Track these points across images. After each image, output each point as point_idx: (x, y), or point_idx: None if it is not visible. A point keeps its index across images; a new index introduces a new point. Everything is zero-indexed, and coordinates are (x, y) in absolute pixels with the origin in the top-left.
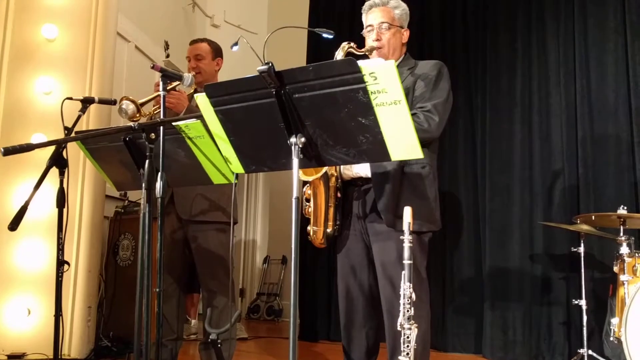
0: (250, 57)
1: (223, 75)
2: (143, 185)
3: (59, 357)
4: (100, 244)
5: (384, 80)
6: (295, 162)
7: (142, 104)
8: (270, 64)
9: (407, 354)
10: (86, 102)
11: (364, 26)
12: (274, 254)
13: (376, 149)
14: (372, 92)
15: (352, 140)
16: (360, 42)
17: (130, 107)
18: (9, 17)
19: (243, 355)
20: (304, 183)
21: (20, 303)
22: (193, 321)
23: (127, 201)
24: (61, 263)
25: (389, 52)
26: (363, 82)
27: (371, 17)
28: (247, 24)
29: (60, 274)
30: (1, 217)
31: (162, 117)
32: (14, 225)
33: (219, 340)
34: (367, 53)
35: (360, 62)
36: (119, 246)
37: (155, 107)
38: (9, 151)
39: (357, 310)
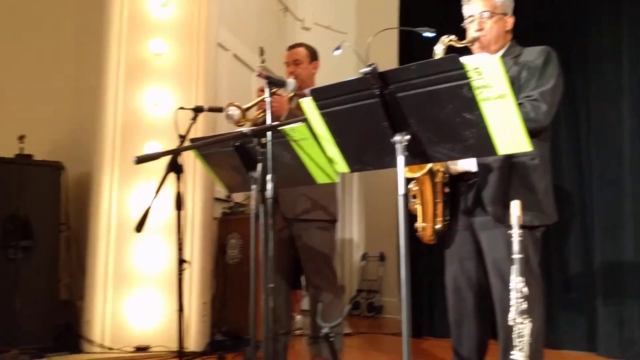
0: (341, 58)
1: (317, 77)
2: (254, 187)
3: (182, 350)
4: (211, 244)
5: (488, 75)
6: (400, 159)
7: (247, 109)
8: (374, 66)
9: (521, 349)
10: (197, 110)
11: (464, 17)
12: (372, 251)
13: (482, 144)
14: (476, 88)
15: (457, 136)
16: (461, 35)
17: (236, 112)
18: (123, 35)
19: (347, 350)
20: (409, 180)
21: (142, 300)
22: (297, 317)
23: (233, 202)
24: (181, 262)
25: (492, 42)
26: (467, 78)
27: (472, 7)
28: (336, 25)
29: (180, 272)
30: (122, 220)
31: (268, 122)
32: (139, 227)
33: (331, 334)
34: (468, 45)
35: (463, 59)
36: (227, 245)
37: (258, 112)
38: (141, 160)
39: (467, 306)
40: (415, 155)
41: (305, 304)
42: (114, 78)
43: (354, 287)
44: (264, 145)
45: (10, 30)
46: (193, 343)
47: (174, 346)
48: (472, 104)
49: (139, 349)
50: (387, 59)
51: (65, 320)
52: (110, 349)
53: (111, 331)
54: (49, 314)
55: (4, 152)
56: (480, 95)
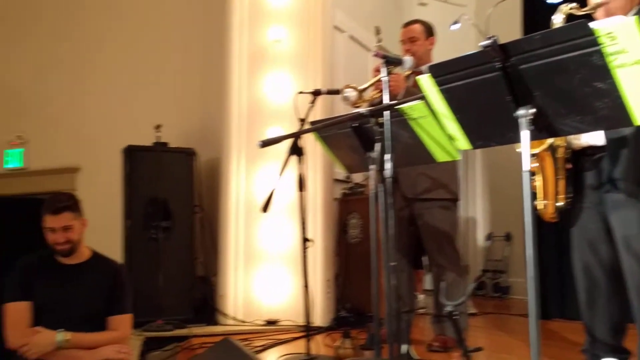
0: (459, 32)
1: (434, 53)
2: (373, 167)
3: (309, 325)
4: (332, 224)
5: (624, 40)
6: (524, 134)
7: (363, 90)
8: (495, 38)
9: None
10: (315, 94)
11: None
12: (497, 230)
13: (616, 115)
14: (609, 54)
15: (588, 107)
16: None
17: (352, 94)
18: (244, 25)
19: (472, 330)
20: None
21: (270, 277)
22: (420, 296)
23: (352, 183)
24: (305, 240)
25: (619, 8)
26: (598, 44)
27: None
28: None
29: (305, 250)
30: (249, 201)
31: (386, 101)
32: (265, 208)
33: (455, 313)
34: (591, 12)
35: (594, 24)
36: (348, 225)
37: (375, 92)
38: (265, 143)
39: (599, 287)
40: (541, 130)
41: (427, 283)
42: (237, 68)
43: (478, 267)
44: (381, 125)
45: (145, 27)
46: (319, 318)
47: (301, 321)
48: (604, 72)
49: (269, 322)
50: (509, 31)
51: (202, 295)
52: (242, 321)
53: (243, 305)
54: (187, 289)
55: (143, 140)
56: (615, 62)
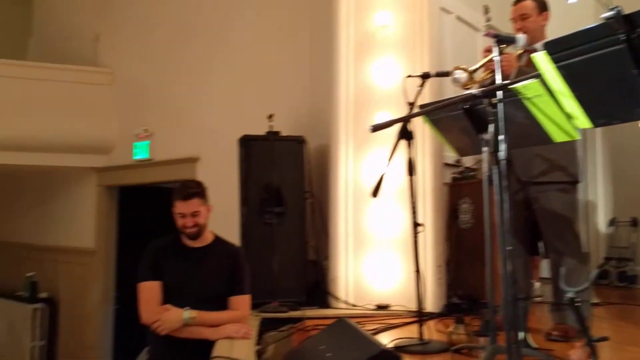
0: (575, 5)
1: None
2: (486, 149)
3: (421, 310)
4: (442, 208)
5: None
6: None
7: (473, 72)
8: (618, 8)
9: None
10: (424, 77)
11: None
12: (621, 215)
13: None
14: None
15: None
16: None
17: (462, 76)
18: (351, 12)
19: (595, 320)
20: None
21: (380, 261)
22: (536, 284)
23: (462, 167)
24: (416, 225)
25: None
26: None
27: None
28: None
29: (416, 235)
30: (358, 187)
31: (499, 81)
32: (375, 192)
33: (577, 300)
34: None
35: None
36: (458, 210)
37: (485, 73)
38: (376, 128)
39: None
40: None
41: (544, 271)
42: (344, 55)
43: (600, 254)
44: (495, 106)
45: (256, 23)
46: (430, 304)
47: (411, 306)
48: None
49: (380, 307)
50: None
51: (314, 278)
52: (354, 305)
53: (354, 289)
54: (300, 272)
55: (258, 130)
56: None
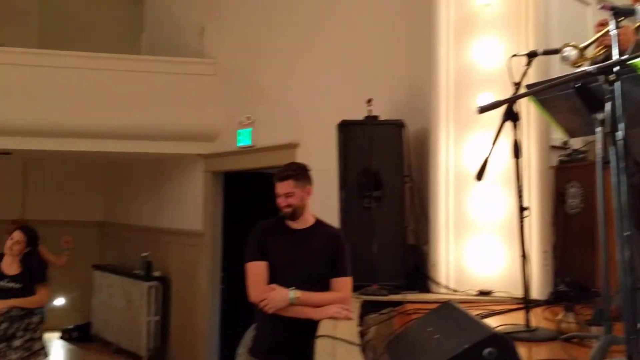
0: None
1: None
2: (599, 129)
3: (527, 296)
4: (548, 193)
5: None
6: None
7: (584, 48)
8: None
9: None
10: (531, 55)
11: None
12: None
13: None
14: None
15: None
16: None
17: (573, 53)
18: None
19: None
20: None
21: (482, 246)
22: None
23: (570, 150)
24: (522, 209)
25: None
26: None
27: None
28: None
29: (521, 220)
30: (459, 170)
31: (615, 56)
32: (479, 176)
33: None
34: None
35: None
36: (566, 194)
37: (598, 49)
38: (484, 109)
39: None
40: None
41: None
42: (444, 36)
43: None
44: (612, 83)
45: (353, 5)
46: (535, 291)
47: (515, 292)
48: None
49: (482, 292)
50: None
51: (414, 263)
52: (455, 290)
53: (455, 274)
54: (399, 256)
55: (356, 115)
56: None
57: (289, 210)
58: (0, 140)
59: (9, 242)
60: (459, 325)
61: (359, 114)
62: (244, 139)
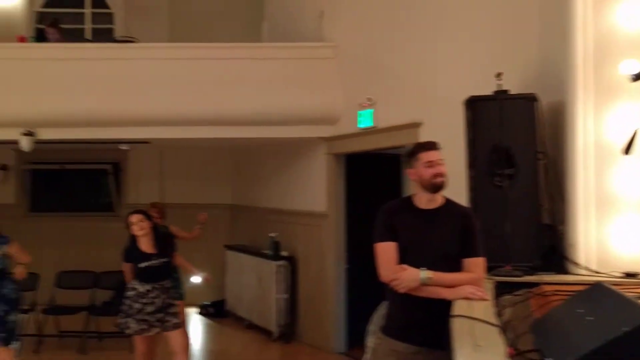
0: None
1: None
2: None
3: None
4: None
5: None
6: None
7: None
8: None
9: None
10: None
11: None
12: None
13: None
14: None
15: None
16: None
17: None
18: None
19: None
20: None
21: (628, 225)
22: None
23: None
24: None
25: None
26: None
27: None
28: None
29: None
30: (600, 144)
31: None
32: (627, 150)
33: None
34: None
35: None
36: None
37: None
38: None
39: None
40: None
41: None
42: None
43: None
44: None
45: None
46: None
47: None
48: None
49: (629, 274)
50: None
51: (550, 243)
52: (596, 272)
53: (596, 255)
54: (534, 236)
55: (484, 90)
56: None
57: (442, 179)
58: (140, 131)
59: (135, 228)
60: (614, 307)
61: (486, 89)
62: (365, 120)
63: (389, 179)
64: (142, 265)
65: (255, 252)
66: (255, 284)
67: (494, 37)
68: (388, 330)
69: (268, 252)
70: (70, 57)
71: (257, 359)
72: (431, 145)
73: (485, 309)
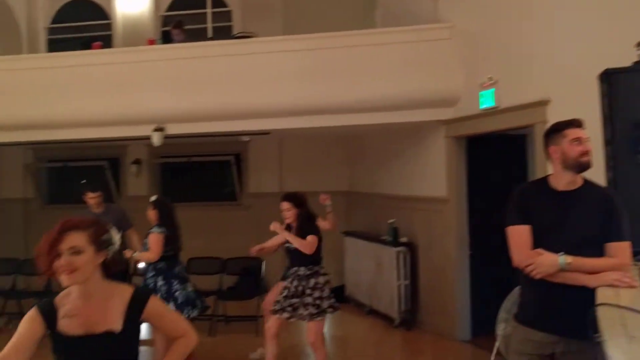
0: None
1: None
2: None
3: None
4: None
5: None
6: None
7: None
8: None
9: None
10: None
11: None
12: None
13: None
14: None
15: None
16: None
17: None
18: None
19: None
20: None
21: None
22: None
23: None
24: None
25: None
26: None
27: None
28: None
29: None
30: None
31: None
32: None
33: None
34: None
35: None
36: None
37: None
38: None
39: None
40: None
41: None
42: None
43: None
44: None
45: None
46: None
47: None
48: None
49: None
50: None
51: None
52: None
53: None
54: None
55: (621, 62)
56: None
57: (588, 158)
58: (261, 122)
59: (282, 214)
60: None
61: (623, 61)
62: (486, 100)
63: (514, 160)
64: (285, 246)
65: (374, 239)
66: (374, 270)
67: (631, 2)
68: (523, 318)
69: (387, 238)
70: (194, 55)
71: (380, 345)
72: (579, 123)
73: (634, 297)
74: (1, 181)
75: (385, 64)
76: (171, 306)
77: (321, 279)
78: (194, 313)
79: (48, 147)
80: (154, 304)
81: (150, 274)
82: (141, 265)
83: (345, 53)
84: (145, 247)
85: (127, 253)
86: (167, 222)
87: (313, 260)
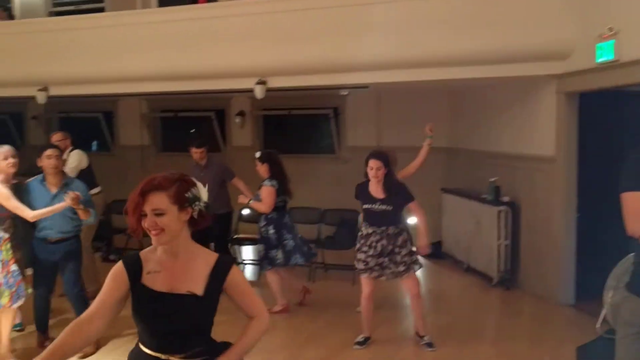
0: None
1: None
2: None
3: None
4: None
5: None
6: None
7: None
8: None
9: None
10: None
11: None
12: None
13: None
14: None
15: None
16: None
17: None
18: None
19: None
20: None
21: None
22: None
23: None
24: None
25: None
26: None
27: None
28: None
29: None
30: None
31: None
32: None
33: None
34: None
35: None
36: None
37: None
38: None
39: None
40: None
41: None
42: None
43: None
44: None
45: None
46: None
47: None
48: None
49: None
50: None
51: None
52: None
53: None
54: None
55: None
56: None
57: None
58: (361, 76)
59: (369, 171)
60: None
61: None
62: (605, 53)
63: (631, 120)
64: (365, 206)
65: (474, 197)
66: (474, 229)
67: None
68: (636, 288)
69: (487, 196)
70: (295, 8)
71: (477, 303)
72: None
73: None
74: (122, 129)
75: (491, 14)
76: (280, 254)
77: (404, 236)
78: (301, 260)
79: (161, 99)
80: (236, 274)
81: (263, 223)
82: (245, 211)
83: (451, 3)
84: (257, 198)
85: (243, 199)
86: (278, 174)
87: (401, 219)
